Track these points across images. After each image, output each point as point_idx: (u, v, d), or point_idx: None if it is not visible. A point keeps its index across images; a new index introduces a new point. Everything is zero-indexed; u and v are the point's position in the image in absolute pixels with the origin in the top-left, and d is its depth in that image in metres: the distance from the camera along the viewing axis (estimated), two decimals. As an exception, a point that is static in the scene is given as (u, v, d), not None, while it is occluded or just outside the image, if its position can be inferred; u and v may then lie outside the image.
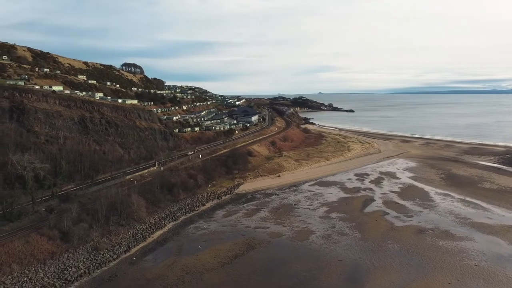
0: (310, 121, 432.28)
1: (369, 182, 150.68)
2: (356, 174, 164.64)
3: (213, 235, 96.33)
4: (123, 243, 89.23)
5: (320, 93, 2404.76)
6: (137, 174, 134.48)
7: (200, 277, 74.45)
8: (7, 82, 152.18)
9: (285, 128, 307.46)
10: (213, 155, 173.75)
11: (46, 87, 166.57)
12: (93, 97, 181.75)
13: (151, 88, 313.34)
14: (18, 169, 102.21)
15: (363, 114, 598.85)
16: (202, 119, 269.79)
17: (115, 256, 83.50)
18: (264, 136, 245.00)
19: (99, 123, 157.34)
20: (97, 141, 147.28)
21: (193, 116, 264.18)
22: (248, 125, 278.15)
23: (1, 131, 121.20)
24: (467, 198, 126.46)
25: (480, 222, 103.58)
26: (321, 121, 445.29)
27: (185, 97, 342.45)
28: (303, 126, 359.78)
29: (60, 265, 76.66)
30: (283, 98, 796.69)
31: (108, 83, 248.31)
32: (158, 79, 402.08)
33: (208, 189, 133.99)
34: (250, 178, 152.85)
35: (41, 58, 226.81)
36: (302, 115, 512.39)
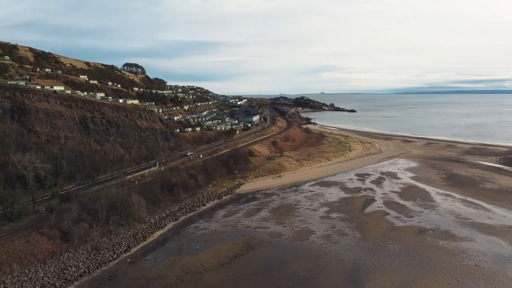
0: (312, 121, 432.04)
1: (370, 182, 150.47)
2: (357, 174, 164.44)
3: (213, 235, 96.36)
4: (123, 243, 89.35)
5: (322, 93, 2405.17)
6: (138, 174, 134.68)
7: (200, 277, 74.47)
8: (9, 82, 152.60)
9: (287, 128, 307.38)
10: (214, 155, 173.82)
11: (47, 87, 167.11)
12: (94, 97, 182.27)
13: (152, 88, 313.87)
14: (19, 169, 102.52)
15: (364, 114, 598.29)
16: (204, 119, 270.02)
17: (115, 256, 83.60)
18: (265, 136, 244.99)
19: (100, 123, 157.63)
20: (98, 141, 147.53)
21: (194, 116, 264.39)
22: (249, 125, 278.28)
23: (2, 131, 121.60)
24: (468, 199, 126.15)
25: (481, 222, 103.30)
26: (322, 121, 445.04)
27: (186, 97, 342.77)
28: (304, 126, 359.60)
29: (60, 264, 76.81)
30: (284, 98, 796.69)
31: (110, 83, 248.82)
32: (160, 79, 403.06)
33: (209, 189, 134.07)
34: (251, 178, 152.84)
35: (42, 58, 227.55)
36: (304, 115, 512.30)
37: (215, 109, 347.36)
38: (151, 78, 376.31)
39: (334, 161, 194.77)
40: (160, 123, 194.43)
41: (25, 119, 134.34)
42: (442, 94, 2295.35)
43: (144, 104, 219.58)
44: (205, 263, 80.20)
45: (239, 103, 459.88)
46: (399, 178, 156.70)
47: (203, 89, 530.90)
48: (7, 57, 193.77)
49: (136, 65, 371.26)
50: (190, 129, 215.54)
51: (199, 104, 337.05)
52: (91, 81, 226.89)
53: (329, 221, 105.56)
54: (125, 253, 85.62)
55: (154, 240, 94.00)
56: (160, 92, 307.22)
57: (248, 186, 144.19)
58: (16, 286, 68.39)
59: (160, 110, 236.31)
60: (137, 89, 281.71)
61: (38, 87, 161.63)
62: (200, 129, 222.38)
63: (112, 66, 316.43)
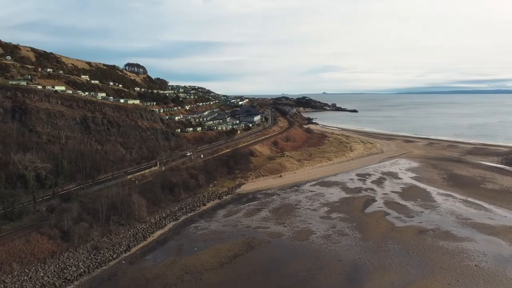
0: (313, 121, 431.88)
1: (371, 182, 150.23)
2: (358, 174, 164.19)
3: (213, 235, 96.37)
4: (124, 243, 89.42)
5: (324, 93, 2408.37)
6: (138, 174, 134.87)
7: (199, 277, 74.49)
8: (10, 82, 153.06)
9: (288, 128, 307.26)
10: (215, 155, 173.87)
11: (49, 87, 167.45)
12: (95, 97, 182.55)
13: (154, 88, 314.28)
14: (20, 169, 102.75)
15: (366, 114, 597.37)
16: (205, 119, 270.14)
17: (115, 256, 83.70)
18: (266, 136, 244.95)
19: (101, 123, 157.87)
20: (99, 141, 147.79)
21: (195, 116, 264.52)
22: (250, 125, 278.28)
23: (3, 131, 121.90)
24: (469, 199, 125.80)
25: (481, 222, 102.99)
26: (324, 121, 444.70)
27: (188, 97, 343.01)
28: (306, 126, 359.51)
29: (60, 264, 76.92)
30: (286, 98, 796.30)
31: (111, 83, 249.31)
32: (161, 79, 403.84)
33: (209, 189, 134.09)
34: (252, 178, 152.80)
35: (44, 58, 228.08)
36: (306, 115, 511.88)
37: (216, 109, 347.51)
38: (153, 78, 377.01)
39: (335, 161, 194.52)
40: (161, 123, 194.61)
41: (26, 119, 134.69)
42: (444, 94, 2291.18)
43: (145, 104, 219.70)
44: (204, 263, 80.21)
45: (240, 103, 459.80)
46: (400, 178, 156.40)
47: (204, 89, 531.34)
48: (8, 57, 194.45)
49: (138, 65, 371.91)
50: (191, 129, 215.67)
51: (201, 104, 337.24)
52: (92, 81, 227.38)
53: (330, 221, 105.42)
54: (125, 253, 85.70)
55: (154, 239, 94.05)
56: (161, 92, 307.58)
57: (249, 186, 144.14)
58: (16, 285, 68.53)
59: (161, 110, 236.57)
60: (138, 89, 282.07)
61: (39, 87, 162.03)
62: (201, 129, 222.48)
63: (114, 66, 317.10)
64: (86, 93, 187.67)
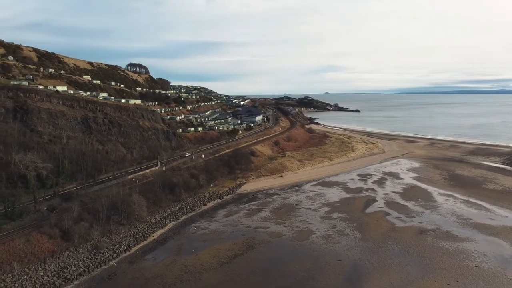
0: (315, 121, 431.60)
1: (372, 182, 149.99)
2: (359, 175, 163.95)
3: (213, 235, 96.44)
4: (124, 242, 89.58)
5: (326, 93, 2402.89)
6: (139, 173, 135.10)
7: (199, 277, 74.56)
8: (11, 82, 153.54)
9: (289, 128, 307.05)
10: (216, 155, 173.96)
11: (50, 87, 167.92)
12: (97, 97, 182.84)
13: (156, 88, 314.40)
14: (21, 169, 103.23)
15: (368, 114, 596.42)
16: (206, 119, 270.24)
17: (115, 255, 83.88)
18: (268, 136, 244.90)
19: (102, 123, 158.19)
20: (100, 141, 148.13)
21: (197, 116, 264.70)
22: (252, 125, 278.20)
23: (4, 131, 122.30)
24: (471, 199, 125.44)
25: (482, 223, 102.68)
26: (326, 121, 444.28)
27: (189, 97, 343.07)
28: (307, 126, 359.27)
29: (60, 263, 77.12)
30: (288, 98, 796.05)
31: (113, 83, 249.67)
32: (164, 79, 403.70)
33: (210, 189, 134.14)
34: (253, 178, 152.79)
35: (46, 58, 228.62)
36: (308, 115, 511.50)
37: (218, 109, 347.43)
38: (155, 78, 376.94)
39: (337, 161, 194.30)
40: (162, 123, 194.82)
41: (28, 119, 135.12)
42: (447, 94, 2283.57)
43: (147, 104, 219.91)
44: (204, 263, 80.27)
45: (242, 103, 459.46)
46: (401, 179, 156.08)
47: (206, 89, 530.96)
48: (10, 57, 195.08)
49: (140, 65, 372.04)
50: (192, 129, 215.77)
51: (202, 104, 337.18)
52: (94, 81, 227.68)
53: (330, 221, 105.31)
54: (125, 253, 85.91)
55: (154, 239, 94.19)
56: (163, 92, 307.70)
57: (250, 186, 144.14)
58: (16, 284, 68.76)
59: (163, 110, 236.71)
60: (140, 89, 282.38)
61: (41, 87, 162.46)
62: (203, 129, 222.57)
63: (116, 66, 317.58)
64: (88, 93, 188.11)
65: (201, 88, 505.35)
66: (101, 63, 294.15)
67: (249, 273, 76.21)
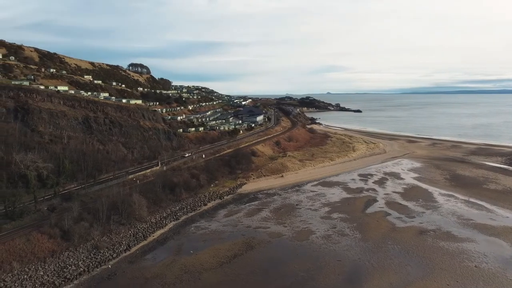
0: (317, 121, 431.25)
1: (373, 182, 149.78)
2: (360, 175, 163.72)
3: (213, 235, 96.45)
4: (124, 242, 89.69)
5: (328, 93, 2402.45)
6: (140, 173, 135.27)
7: (198, 277, 74.57)
8: (13, 83, 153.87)
9: (291, 128, 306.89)
10: (217, 155, 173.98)
11: (51, 87, 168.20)
12: (98, 97, 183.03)
13: (157, 88, 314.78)
14: (21, 168, 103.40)
15: (370, 114, 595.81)
16: (207, 119, 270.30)
17: (115, 255, 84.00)
18: (269, 136, 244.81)
19: (103, 123, 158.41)
20: (100, 141, 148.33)
21: (198, 116, 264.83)
22: (253, 125, 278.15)
23: (5, 131, 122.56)
24: (471, 199, 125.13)
25: (483, 223, 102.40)
26: (327, 121, 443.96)
27: (191, 97, 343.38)
28: (309, 126, 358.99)
29: (60, 263, 77.26)
30: (290, 98, 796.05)
31: (114, 83, 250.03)
32: (165, 79, 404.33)
33: (211, 189, 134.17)
34: (253, 178, 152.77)
35: (47, 58, 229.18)
36: (309, 115, 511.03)
37: (219, 109, 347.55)
38: (156, 78, 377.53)
39: (338, 161, 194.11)
40: (163, 123, 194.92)
41: (29, 119, 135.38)
42: (449, 94, 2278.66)
43: (148, 104, 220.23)
44: (204, 263, 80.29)
45: (243, 103, 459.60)
46: (402, 179, 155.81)
47: (208, 89, 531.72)
48: (12, 58, 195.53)
49: (141, 65, 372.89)
50: (193, 129, 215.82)
51: (204, 104, 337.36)
52: (95, 81, 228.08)
53: (330, 222, 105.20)
54: (125, 252, 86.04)
55: (154, 239, 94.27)
56: (164, 92, 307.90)
57: (250, 186, 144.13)
58: (16, 284, 68.92)
59: (164, 110, 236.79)
60: (141, 89, 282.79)
61: (42, 87, 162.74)
62: (204, 129, 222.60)
63: (117, 66, 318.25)
64: (89, 93, 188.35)
65: (202, 88, 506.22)
66: (103, 63, 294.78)
67: (249, 273, 76.20)
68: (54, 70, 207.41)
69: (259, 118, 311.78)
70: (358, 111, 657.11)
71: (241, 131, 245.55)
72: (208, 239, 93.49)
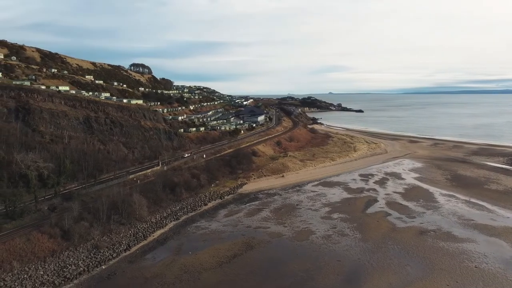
0: (318, 121, 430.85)
1: (373, 182, 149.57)
2: (360, 175, 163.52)
3: (213, 235, 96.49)
4: (124, 242, 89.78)
5: (330, 93, 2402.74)
6: (140, 173, 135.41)
7: (198, 276, 74.63)
8: (14, 83, 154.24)
9: (292, 128, 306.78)
10: (217, 155, 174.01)
11: (53, 87, 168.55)
12: (99, 97, 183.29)
13: (158, 88, 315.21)
14: (22, 168, 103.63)
15: (372, 114, 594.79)
16: (208, 119, 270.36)
17: (114, 255, 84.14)
18: (270, 136, 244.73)
19: (104, 122, 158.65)
20: (101, 141, 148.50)
21: (199, 116, 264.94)
22: (254, 125, 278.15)
23: (7, 131, 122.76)
24: (472, 200, 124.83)
25: (483, 223, 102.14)
26: (329, 121, 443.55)
27: (192, 97, 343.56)
28: (310, 126, 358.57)
29: (60, 262, 77.37)
30: (292, 98, 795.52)
31: (115, 83, 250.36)
32: (167, 79, 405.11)
33: (211, 189, 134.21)
34: (254, 178, 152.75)
35: (49, 58, 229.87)
36: (311, 115, 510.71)
37: (220, 109, 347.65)
38: (158, 78, 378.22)
39: (339, 161, 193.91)
40: (164, 123, 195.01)
41: (30, 118, 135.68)
42: (451, 94, 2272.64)
43: (149, 104, 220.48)
44: (203, 263, 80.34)
45: (245, 103, 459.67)
46: (403, 179, 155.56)
47: (209, 89, 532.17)
48: (14, 58, 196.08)
49: (143, 65, 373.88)
50: (194, 129, 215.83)
51: (205, 104, 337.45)
52: (96, 81, 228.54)
53: (330, 222, 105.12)
54: (125, 252, 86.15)
55: (154, 239, 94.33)
56: (166, 92, 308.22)
57: (251, 186, 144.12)
58: (16, 283, 69.08)
59: (165, 110, 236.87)
60: (143, 89, 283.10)
61: (43, 87, 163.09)
62: (205, 129, 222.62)
63: (119, 66, 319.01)
64: (90, 93, 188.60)
65: (204, 88, 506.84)
66: (104, 63, 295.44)
67: (248, 273, 76.23)
68: (56, 70, 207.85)
69: (260, 118, 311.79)
70: (360, 111, 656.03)
71: (242, 131, 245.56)
72: (208, 239, 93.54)
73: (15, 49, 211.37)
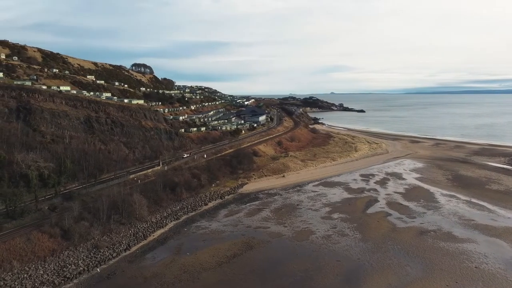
0: (320, 121, 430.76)
1: (374, 183, 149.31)
2: (361, 175, 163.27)
3: (213, 235, 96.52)
4: (124, 242, 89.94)
5: (332, 93, 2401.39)
6: (141, 173, 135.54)
7: (197, 276, 74.68)
8: (15, 83, 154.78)
9: (293, 128, 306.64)
10: (218, 155, 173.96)
11: (54, 87, 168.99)
12: (100, 97, 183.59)
13: (160, 88, 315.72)
14: (23, 168, 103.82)
15: (374, 114, 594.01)
16: (210, 119, 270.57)
17: (114, 254, 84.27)
18: (271, 136, 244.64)
19: (105, 122, 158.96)
20: (102, 141, 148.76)
21: (200, 116, 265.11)
22: (255, 125, 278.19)
23: (8, 131, 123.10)
24: (473, 200, 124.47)
25: (484, 224, 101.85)
26: (330, 121, 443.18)
27: (194, 97, 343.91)
28: (311, 126, 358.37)
29: (60, 262, 77.59)
30: (293, 98, 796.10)
31: (116, 83, 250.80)
32: (168, 79, 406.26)
33: (212, 189, 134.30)
34: (255, 178, 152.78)
35: (50, 58, 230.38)
36: (312, 115, 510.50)
37: (222, 109, 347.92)
38: (159, 78, 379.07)
39: (339, 161, 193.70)
40: (165, 123, 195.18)
41: (31, 118, 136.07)
42: (454, 94, 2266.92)
43: (150, 104, 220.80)
44: (203, 262, 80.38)
45: (246, 103, 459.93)
46: (404, 179, 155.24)
47: (211, 89, 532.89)
48: (15, 58, 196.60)
49: (145, 65, 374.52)
50: (195, 129, 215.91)
51: (206, 104, 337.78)
52: (98, 81, 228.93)
53: (330, 222, 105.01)
54: (125, 252, 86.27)
55: (154, 239, 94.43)
56: (167, 92, 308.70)
57: (251, 186, 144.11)
58: (16, 283, 69.27)
59: (166, 110, 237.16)
60: (144, 89, 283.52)
61: (44, 87, 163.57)
62: (205, 129, 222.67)
63: (120, 66, 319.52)
64: (91, 93, 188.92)
65: (205, 88, 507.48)
66: (106, 63, 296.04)
67: (247, 272, 76.22)
68: (57, 70, 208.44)
69: (262, 118, 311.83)
70: (362, 111, 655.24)
71: (243, 131, 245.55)
72: (208, 239, 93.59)
73: (17, 49, 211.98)
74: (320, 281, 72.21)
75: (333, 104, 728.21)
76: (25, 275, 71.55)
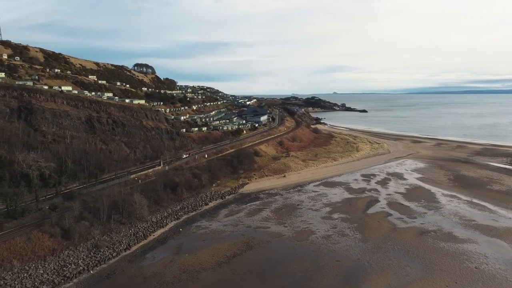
0: (321, 121, 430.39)
1: (375, 183, 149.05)
2: (362, 175, 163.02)
3: (214, 234, 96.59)
4: (124, 241, 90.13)
5: (334, 93, 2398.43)
6: (142, 173, 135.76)
7: (197, 276, 74.77)
8: (16, 83, 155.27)
9: (295, 128, 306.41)
10: (219, 155, 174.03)
11: (55, 87, 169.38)
12: (101, 97, 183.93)
13: (162, 89, 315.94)
14: (24, 168, 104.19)
15: (376, 114, 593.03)
16: (211, 119, 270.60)
17: (114, 254, 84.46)
18: (272, 136, 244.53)
19: (106, 122, 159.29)
20: (103, 141, 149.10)
21: (201, 116, 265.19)
22: (256, 125, 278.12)
23: (9, 130, 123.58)
24: (474, 200, 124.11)
25: (485, 224, 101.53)
26: (332, 121, 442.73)
27: (195, 97, 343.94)
28: (313, 126, 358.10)
29: (60, 262, 77.82)
30: (295, 98, 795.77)
31: (118, 83, 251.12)
32: (170, 79, 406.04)
33: (212, 189, 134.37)
34: (255, 178, 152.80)
35: (52, 58, 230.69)
36: (314, 115, 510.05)
37: (223, 109, 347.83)
38: (161, 78, 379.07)
39: (341, 161, 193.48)
40: (166, 123, 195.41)
41: (32, 118, 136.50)
42: (456, 94, 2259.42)
43: (152, 104, 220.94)
44: (203, 262, 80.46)
45: (248, 103, 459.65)
46: (405, 179, 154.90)
47: (213, 89, 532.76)
48: (17, 58, 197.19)
49: (147, 65, 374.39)
50: (196, 129, 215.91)
51: (208, 104, 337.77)
52: (99, 81, 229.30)
53: (331, 222, 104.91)
54: (125, 251, 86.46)
55: (154, 238, 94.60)
56: (169, 92, 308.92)
57: (252, 186, 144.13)
58: (16, 282, 69.52)
59: (168, 110, 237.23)
60: (146, 89, 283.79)
61: (46, 87, 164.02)
62: (207, 129, 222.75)
63: (122, 66, 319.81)
64: (92, 93, 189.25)
65: (207, 88, 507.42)
66: (107, 64, 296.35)
67: (247, 272, 76.24)
68: (59, 70, 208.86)
69: (263, 118, 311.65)
70: (364, 111, 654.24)
71: (244, 131, 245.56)
72: (208, 239, 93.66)
73: (19, 49, 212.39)
74: (319, 281, 72.16)
75: (335, 104, 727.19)
76: (25, 275, 71.81)
